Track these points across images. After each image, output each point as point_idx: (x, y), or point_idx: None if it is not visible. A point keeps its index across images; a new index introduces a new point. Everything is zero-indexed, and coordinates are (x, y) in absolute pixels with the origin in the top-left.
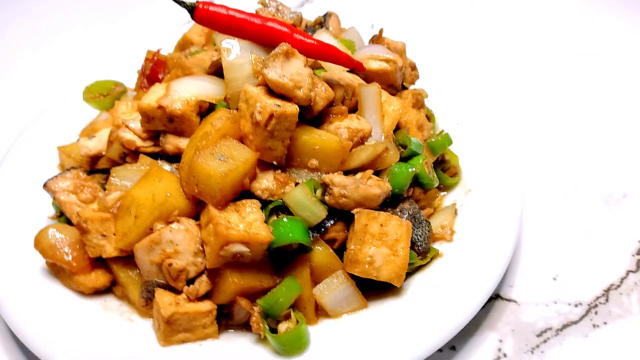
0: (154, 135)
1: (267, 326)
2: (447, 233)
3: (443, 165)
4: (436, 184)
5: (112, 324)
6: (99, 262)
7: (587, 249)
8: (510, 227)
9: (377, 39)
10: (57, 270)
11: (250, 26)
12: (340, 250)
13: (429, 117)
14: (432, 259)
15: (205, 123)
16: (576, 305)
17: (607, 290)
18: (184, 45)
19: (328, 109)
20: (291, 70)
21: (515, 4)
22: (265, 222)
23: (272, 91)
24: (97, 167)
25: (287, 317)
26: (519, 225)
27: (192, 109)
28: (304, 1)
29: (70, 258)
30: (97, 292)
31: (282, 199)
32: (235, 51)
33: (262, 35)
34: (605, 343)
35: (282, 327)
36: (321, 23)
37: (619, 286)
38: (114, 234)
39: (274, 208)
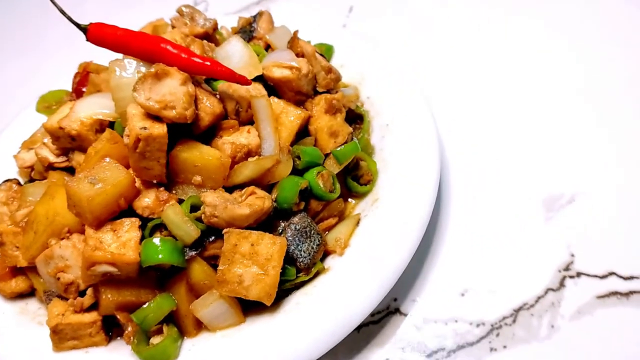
0: (66, 151)
1: (138, 339)
2: (340, 246)
3: (356, 173)
4: (334, 196)
5: (20, 328)
6: (21, 269)
7: (508, 261)
8: (407, 241)
9: (291, 42)
10: None
11: (135, 44)
12: None
13: (362, 119)
14: (316, 274)
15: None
16: (478, 325)
17: (518, 310)
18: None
19: (220, 123)
20: (162, 90)
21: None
22: (145, 237)
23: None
24: (32, 178)
25: (160, 331)
26: (417, 238)
27: (88, 129)
28: None
29: None
30: (22, 295)
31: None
32: (121, 71)
33: (146, 53)
34: None
35: (154, 340)
36: (250, 23)
37: (532, 306)
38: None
39: (156, 226)
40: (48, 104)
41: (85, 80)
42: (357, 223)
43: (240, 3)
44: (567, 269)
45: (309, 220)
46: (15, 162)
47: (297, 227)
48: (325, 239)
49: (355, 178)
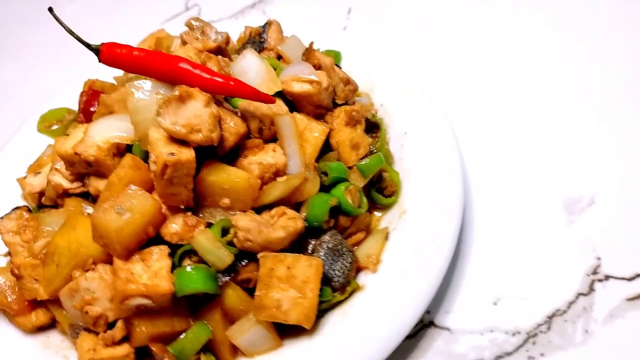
0: (81, 176)
1: None
2: (372, 262)
3: (379, 185)
4: (363, 211)
5: None
6: (41, 301)
7: (536, 267)
8: (440, 255)
9: (307, 54)
10: (2, 309)
11: (153, 65)
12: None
13: (378, 127)
14: (352, 293)
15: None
16: (514, 334)
17: (551, 317)
18: None
19: (244, 142)
20: (187, 113)
21: None
22: (178, 266)
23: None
24: (42, 203)
25: None
26: (450, 252)
27: (106, 154)
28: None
29: (10, 300)
30: (43, 328)
31: (190, 243)
32: (139, 93)
33: (166, 74)
34: None
35: None
36: (260, 34)
37: (565, 312)
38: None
39: (185, 252)
40: (49, 123)
41: (93, 100)
42: (386, 237)
43: (233, 6)
44: (595, 272)
45: (340, 238)
46: (22, 187)
47: (329, 246)
48: (356, 255)
49: (379, 190)
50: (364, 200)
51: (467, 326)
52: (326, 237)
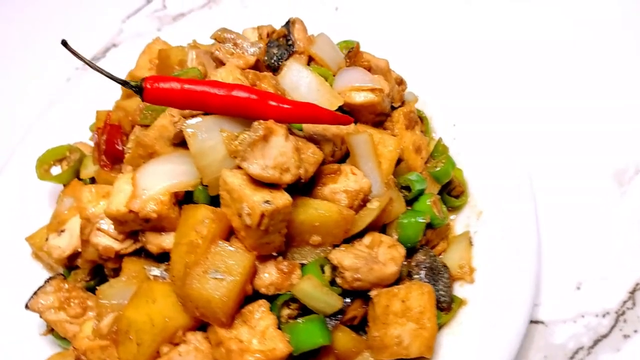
0: (132, 232)
1: None
2: (467, 273)
3: (448, 187)
4: (447, 221)
5: None
6: None
7: (606, 245)
8: (529, 254)
9: (354, 56)
10: None
11: (213, 100)
12: (362, 323)
13: (422, 121)
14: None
15: (187, 224)
16: (604, 316)
17: (633, 292)
18: None
19: (320, 169)
20: (273, 153)
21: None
22: (278, 318)
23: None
24: (74, 264)
25: None
26: (537, 247)
27: (168, 207)
28: None
29: None
30: None
31: (290, 291)
32: (201, 133)
33: (229, 107)
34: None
35: None
36: (285, 35)
37: None
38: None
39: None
40: (48, 165)
41: (114, 137)
42: (470, 242)
43: None
44: None
45: (432, 254)
46: (50, 253)
47: (427, 266)
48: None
49: (448, 192)
50: (444, 208)
51: (559, 316)
52: (421, 257)
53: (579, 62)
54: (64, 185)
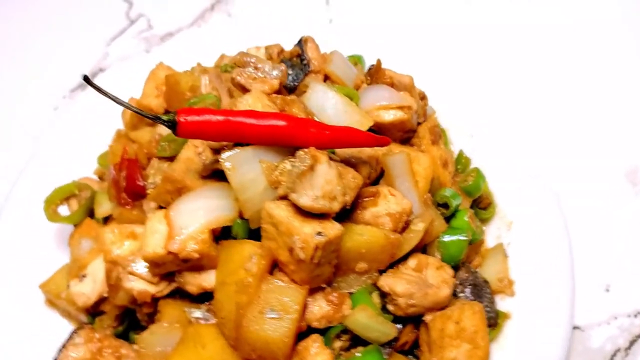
0: (172, 274)
1: None
2: (506, 286)
3: (477, 199)
4: (483, 235)
5: None
6: None
7: (628, 245)
8: (564, 262)
9: (375, 73)
10: None
11: (250, 130)
12: (411, 348)
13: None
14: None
15: (232, 261)
16: (635, 315)
17: None
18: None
19: (359, 193)
20: (320, 182)
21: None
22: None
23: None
24: (99, 310)
25: None
26: (570, 252)
27: (209, 245)
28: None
29: None
30: None
31: (342, 323)
32: (241, 166)
33: (267, 137)
34: None
35: None
36: (299, 55)
37: None
38: None
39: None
40: (55, 205)
41: (134, 172)
42: (505, 254)
43: (189, 11)
44: None
45: (473, 270)
46: (74, 301)
47: (471, 283)
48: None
49: (477, 204)
50: (478, 222)
51: (592, 319)
52: (463, 274)
53: (583, 61)
54: (75, 226)
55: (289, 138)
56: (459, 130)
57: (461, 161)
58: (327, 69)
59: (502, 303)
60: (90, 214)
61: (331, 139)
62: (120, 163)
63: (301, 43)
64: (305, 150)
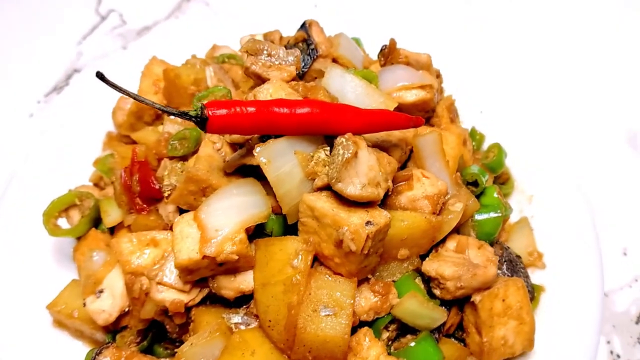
0: (205, 280)
1: None
2: (537, 259)
3: (497, 175)
4: (511, 210)
5: None
6: None
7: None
8: (589, 231)
9: (390, 54)
10: None
11: (283, 120)
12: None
13: None
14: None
15: (275, 260)
16: None
17: None
18: (138, 112)
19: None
20: (363, 169)
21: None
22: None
23: (342, 197)
24: (119, 327)
25: None
26: (593, 221)
27: (247, 245)
28: None
29: None
30: None
31: (390, 313)
32: (275, 160)
33: (301, 126)
34: None
35: None
36: (305, 40)
37: None
38: None
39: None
40: (55, 218)
41: (147, 176)
42: (530, 227)
43: (163, 4)
44: None
45: (506, 246)
46: (94, 319)
47: (507, 259)
48: None
49: (496, 180)
50: (503, 198)
51: (614, 284)
52: (498, 251)
53: (587, 39)
54: (77, 239)
55: (325, 125)
56: (468, 107)
57: (475, 137)
58: (335, 53)
59: (533, 276)
60: (95, 224)
61: (367, 123)
62: (131, 166)
63: (305, 27)
64: (346, 136)
